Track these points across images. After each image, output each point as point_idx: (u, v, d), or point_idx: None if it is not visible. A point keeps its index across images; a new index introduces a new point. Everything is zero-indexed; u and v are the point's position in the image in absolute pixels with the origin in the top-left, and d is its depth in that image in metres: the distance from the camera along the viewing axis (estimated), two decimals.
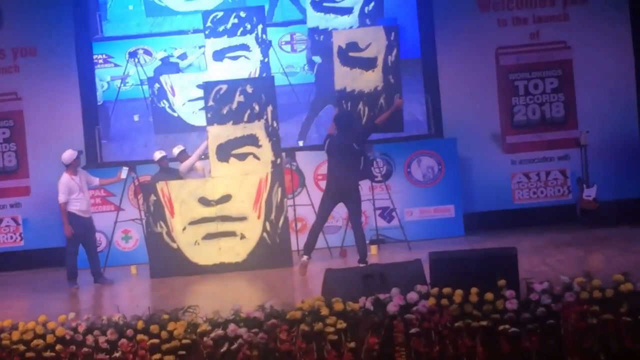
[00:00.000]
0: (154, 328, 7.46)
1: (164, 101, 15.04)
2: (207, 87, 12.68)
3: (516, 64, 14.97)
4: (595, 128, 14.35)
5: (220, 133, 12.41)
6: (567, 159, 14.82)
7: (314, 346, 7.25)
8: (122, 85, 15.14)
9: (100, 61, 15.19)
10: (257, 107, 12.40)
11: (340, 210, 13.98)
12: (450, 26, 14.93)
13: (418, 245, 12.86)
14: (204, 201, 12.38)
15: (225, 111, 12.42)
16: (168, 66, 15.13)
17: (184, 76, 15.03)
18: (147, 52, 15.24)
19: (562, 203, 14.72)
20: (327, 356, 7.21)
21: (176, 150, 13.55)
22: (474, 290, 7.25)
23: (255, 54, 14.43)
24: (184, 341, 7.39)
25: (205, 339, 7.36)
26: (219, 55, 14.52)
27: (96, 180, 12.73)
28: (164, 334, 7.41)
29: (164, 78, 14.91)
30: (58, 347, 7.50)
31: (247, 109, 12.42)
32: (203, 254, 12.31)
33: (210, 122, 12.45)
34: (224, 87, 12.52)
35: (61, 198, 12.14)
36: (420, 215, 14.38)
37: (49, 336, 7.53)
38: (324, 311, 7.34)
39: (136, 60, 15.14)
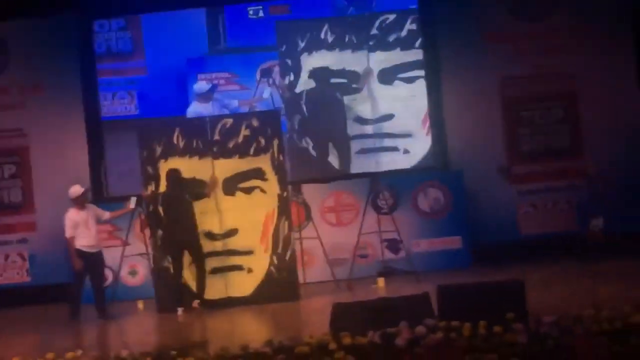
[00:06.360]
0: None
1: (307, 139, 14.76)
2: (212, 121, 12.68)
3: (521, 95, 14.99)
4: (602, 159, 14.31)
5: (226, 166, 12.41)
6: (573, 190, 14.77)
7: None
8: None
9: (222, 82, 14.49)
10: (263, 141, 12.41)
11: (347, 243, 13.98)
12: (455, 57, 14.97)
13: (425, 277, 12.80)
14: (210, 235, 12.36)
15: (231, 145, 12.42)
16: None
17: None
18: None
19: (569, 234, 14.65)
20: None
21: None
22: (482, 323, 7.22)
23: None
24: None
25: None
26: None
27: (106, 214, 12.72)
28: None
29: None
30: None
31: (253, 143, 12.43)
32: (210, 289, 12.26)
33: (216, 155, 12.45)
34: (230, 121, 12.54)
35: (67, 233, 12.23)
36: (428, 247, 14.34)
37: None
38: (332, 346, 7.31)
39: (270, 80, 14.56)
